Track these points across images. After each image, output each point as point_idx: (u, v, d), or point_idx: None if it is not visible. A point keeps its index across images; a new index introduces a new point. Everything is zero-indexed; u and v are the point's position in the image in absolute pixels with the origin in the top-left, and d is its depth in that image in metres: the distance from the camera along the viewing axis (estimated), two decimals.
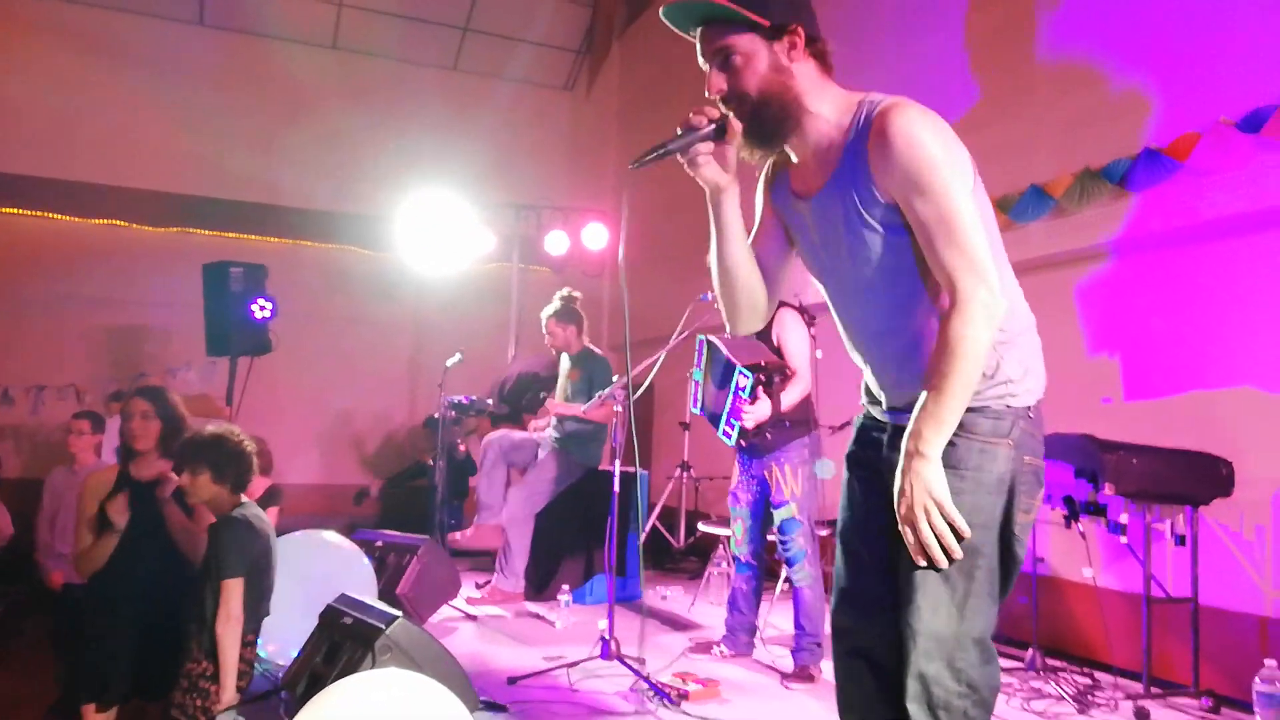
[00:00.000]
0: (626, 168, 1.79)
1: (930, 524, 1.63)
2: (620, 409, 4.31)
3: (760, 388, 3.93)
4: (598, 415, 5.49)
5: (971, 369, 1.64)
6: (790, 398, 4.04)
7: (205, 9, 9.44)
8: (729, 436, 3.97)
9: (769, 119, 1.76)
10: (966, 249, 1.64)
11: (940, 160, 1.65)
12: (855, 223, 1.74)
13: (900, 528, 1.67)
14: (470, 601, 5.42)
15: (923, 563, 1.66)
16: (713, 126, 1.78)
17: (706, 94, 1.79)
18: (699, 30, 1.79)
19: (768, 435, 4.05)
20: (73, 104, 8.73)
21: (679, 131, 1.79)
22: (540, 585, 5.70)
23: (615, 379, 4.62)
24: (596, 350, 5.96)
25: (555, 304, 5.90)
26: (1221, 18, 4.02)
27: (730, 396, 3.93)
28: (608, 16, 10.40)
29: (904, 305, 1.77)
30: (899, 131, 1.64)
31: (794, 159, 1.88)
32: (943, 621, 1.68)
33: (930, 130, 1.66)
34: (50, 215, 8.75)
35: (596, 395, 5.46)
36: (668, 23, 1.80)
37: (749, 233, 1.99)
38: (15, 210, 8.66)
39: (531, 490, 5.60)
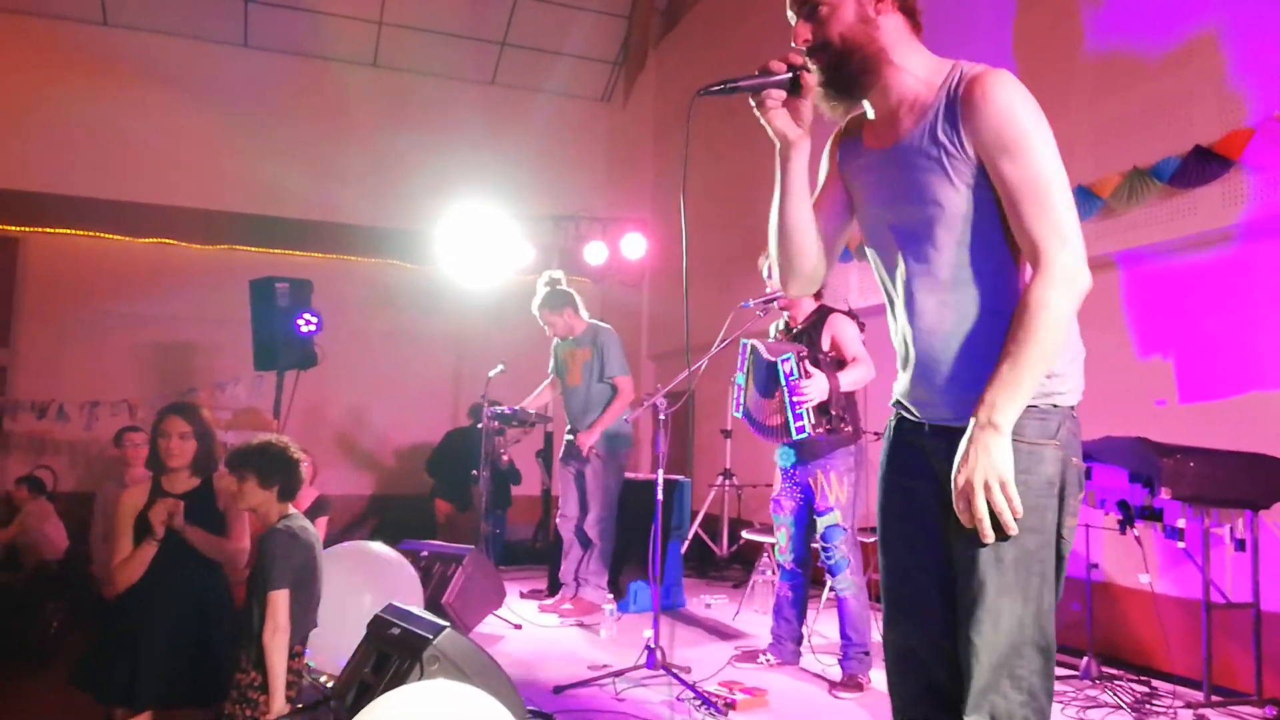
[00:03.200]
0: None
1: (990, 500, 1.58)
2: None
3: (804, 363, 3.84)
4: (622, 405, 5.44)
5: (1051, 338, 1.59)
6: (853, 377, 3.94)
7: (249, 31, 9.63)
8: (802, 430, 3.79)
9: (851, 69, 1.75)
10: (1054, 214, 1.61)
11: (1034, 126, 1.63)
12: (935, 173, 1.71)
13: (954, 499, 1.62)
14: (563, 614, 5.39)
15: (980, 532, 1.60)
16: (789, 75, 1.75)
17: (792, 44, 1.78)
18: None
19: (847, 428, 3.93)
20: (120, 126, 8.96)
21: (756, 73, 1.77)
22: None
23: (659, 389, 4.58)
24: (601, 323, 5.72)
25: (541, 293, 5.59)
26: (1271, 12, 3.93)
27: (785, 392, 3.82)
28: (643, 28, 10.44)
29: (963, 272, 1.72)
30: (996, 93, 1.64)
31: (870, 116, 1.85)
32: (1004, 633, 1.63)
33: (1026, 99, 1.65)
34: (101, 235, 8.98)
35: (618, 408, 5.41)
36: None
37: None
38: (67, 231, 8.90)
39: (604, 511, 5.46)
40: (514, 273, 8.48)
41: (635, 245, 8.81)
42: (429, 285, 9.35)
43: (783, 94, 1.77)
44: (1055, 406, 1.69)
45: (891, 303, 1.87)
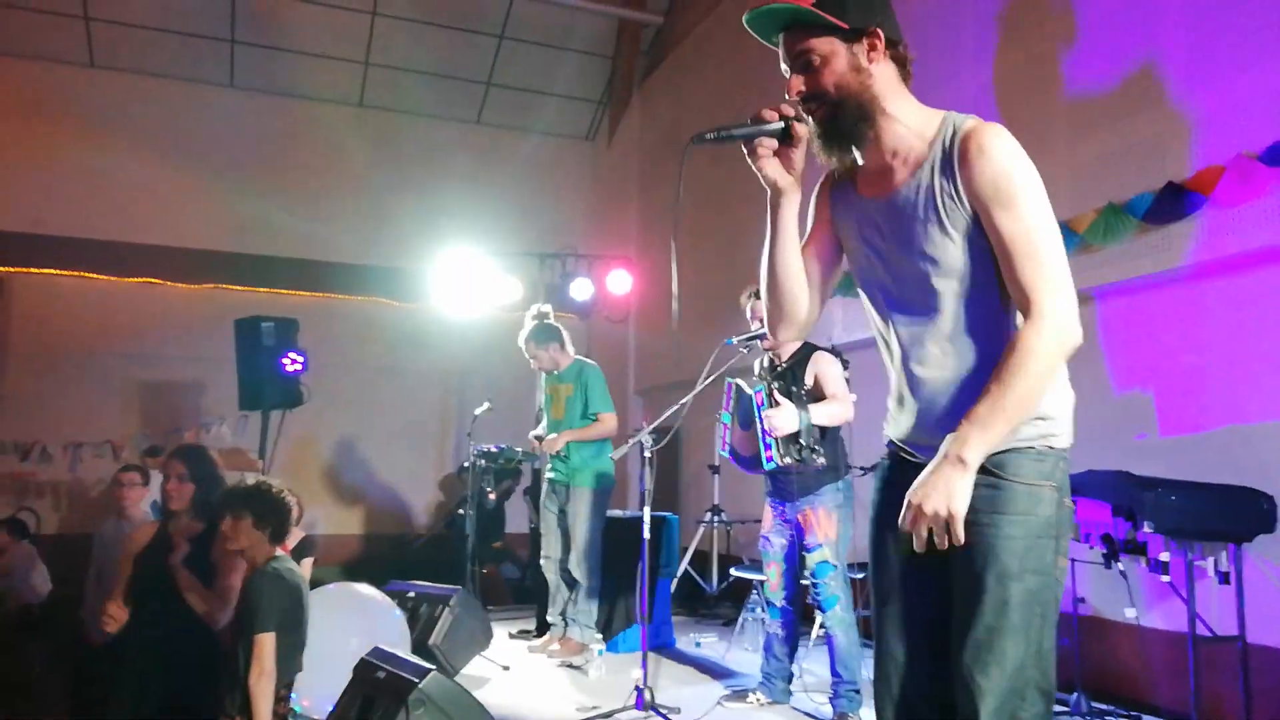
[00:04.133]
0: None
1: (934, 528, 1.59)
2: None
3: (775, 394, 3.86)
4: (598, 432, 5.45)
5: (1034, 384, 1.61)
6: (829, 413, 3.93)
7: (235, 72, 9.70)
8: (770, 460, 3.82)
9: (847, 116, 1.76)
10: (1047, 267, 1.64)
11: (1029, 180, 1.67)
12: (933, 225, 1.73)
13: (903, 514, 1.63)
14: (551, 655, 5.36)
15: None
16: (781, 124, 1.79)
17: (786, 96, 1.80)
18: (781, 36, 1.81)
19: (819, 460, 3.89)
20: (106, 166, 8.98)
21: (748, 121, 1.80)
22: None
23: (645, 426, 4.59)
24: (586, 359, 5.74)
25: (529, 326, 5.61)
26: (1241, 52, 4.03)
27: (758, 422, 3.86)
28: (627, 68, 10.57)
29: (959, 320, 1.75)
30: (993, 147, 1.67)
31: (860, 163, 1.87)
32: (1009, 676, 1.64)
33: (1020, 153, 1.69)
34: (85, 275, 8.96)
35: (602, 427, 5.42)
36: (751, 31, 1.81)
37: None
38: (51, 271, 8.88)
39: (589, 547, 5.42)
40: (500, 310, 8.50)
41: (621, 281, 8.85)
42: (416, 323, 9.37)
43: (774, 143, 1.80)
44: (1051, 449, 1.72)
45: (888, 346, 1.89)
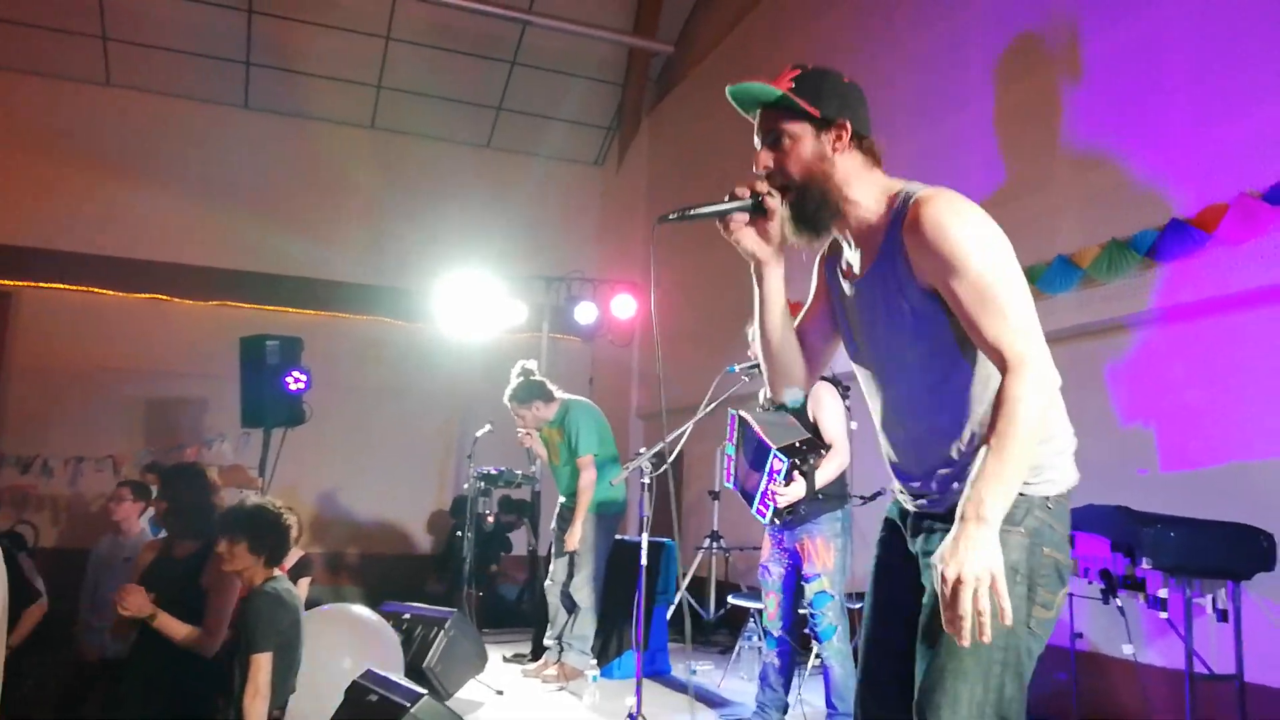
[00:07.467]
0: (652, 236, 1.83)
1: (975, 598, 1.52)
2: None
3: (795, 471, 3.88)
4: (587, 500, 5.39)
5: (1028, 430, 1.57)
6: (827, 473, 3.97)
7: (250, 93, 9.80)
8: (763, 516, 3.92)
9: (810, 202, 1.81)
10: (1009, 315, 1.62)
11: (971, 239, 1.65)
12: (893, 307, 1.77)
13: (939, 590, 1.56)
14: (546, 679, 5.34)
15: (959, 632, 1.55)
16: (750, 200, 1.84)
17: (754, 169, 1.85)
18: (758, 112, 1.87)
19: (801, 509, 3.98)
20: (118, 182, 9.06)
21: (727, 198, 1.86)
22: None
23: (643, 451, 4.58)
24: (572, 398, 5.69)
25: (511, 386, 5.54)
26: (1245, 90, 4.06)
27: (765, 478, 3.89)
28: (636, 95, 10.66)
29: (936, 390, 1.77)
30: (929, 220, 1.67)
31: (844, 243, 1.91)
32: None
33: (961, 215, 1.67)
34: (93, 290, 9.01)
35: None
36: (732, 102, 1.88)
37: (800, 308, 2.02)
38: (59, 285, 8.94)
39: (592, 571, 5.41)
40: (506, 332, 8.53)
41: (626, 306, 8.89)
42: (421, 343, 9.40)
43: (746, 217, 1.85)
44: (1022, 495, 1.69)
45: (878, 413, 1.93)
